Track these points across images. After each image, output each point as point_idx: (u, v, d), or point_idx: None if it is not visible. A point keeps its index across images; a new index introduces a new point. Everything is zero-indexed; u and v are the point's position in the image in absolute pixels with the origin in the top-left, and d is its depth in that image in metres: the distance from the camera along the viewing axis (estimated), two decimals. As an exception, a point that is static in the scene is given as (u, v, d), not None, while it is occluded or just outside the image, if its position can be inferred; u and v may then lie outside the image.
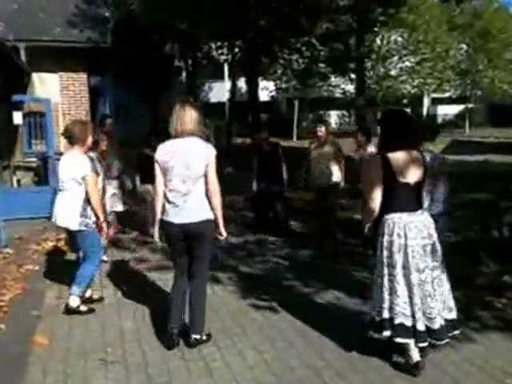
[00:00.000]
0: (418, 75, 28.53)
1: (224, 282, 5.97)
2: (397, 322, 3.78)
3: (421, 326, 3.75)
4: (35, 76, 11.26)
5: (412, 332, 3.76)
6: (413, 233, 3.72)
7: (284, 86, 26.74)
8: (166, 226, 4.23)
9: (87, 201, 4.90)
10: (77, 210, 4.90)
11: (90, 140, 5.13)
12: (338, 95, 28.54)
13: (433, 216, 4.23)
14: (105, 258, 6.31)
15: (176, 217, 4.15)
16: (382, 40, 25.64)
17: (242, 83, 25.00)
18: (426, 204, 4.31)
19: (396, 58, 27.43)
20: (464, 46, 32.39)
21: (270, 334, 4.59)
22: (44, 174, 10.38)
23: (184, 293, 4.37)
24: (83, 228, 4.91)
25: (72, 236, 5.15)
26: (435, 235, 3.83)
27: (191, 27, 14.19)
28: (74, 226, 4.92)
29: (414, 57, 27.91)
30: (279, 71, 23.33)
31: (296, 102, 27.65)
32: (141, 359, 4.15)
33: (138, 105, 14.17)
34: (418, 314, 3.74)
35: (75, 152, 5.02)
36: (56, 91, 11.22)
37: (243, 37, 14.47)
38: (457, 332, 3.93)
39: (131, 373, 3.95)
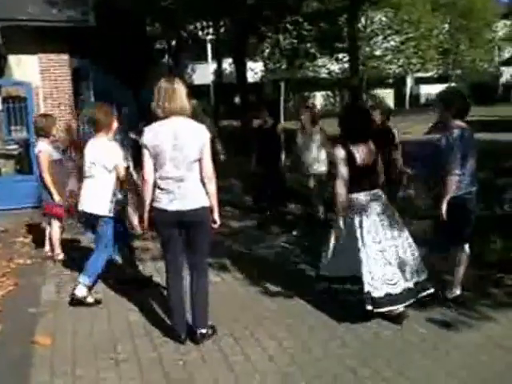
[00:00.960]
0: (402, 55, 28.43)
1: (231, 269, 5.68)
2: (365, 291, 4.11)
3: (379, 293, 4.07)
4: (12, 58, 10.69)
5: (371, 299, 4.07)
6: (368, 210, 4.20)
7: (272, 66, 26.39)
8: (158, 213, 3.84)
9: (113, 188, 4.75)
10: (106, 197, 4.71)
11: (115, 124, 4.92)
12: (323, 76, 28.31)
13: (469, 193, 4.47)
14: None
15: (171, 204, 3.77)
16: (366, 20, 25.44)
17: (226, 65, 24.56)
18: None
19: (381, 37, 27.26)
20: (446, 26, 32.36)
21: (286, 322, 4.34)
22: (27, 161, 9.92)
23: (182, 292, 4.03)
24: (110, 214, 4.72)
25: (93, 223, 4.87)
26: (390, 209, 4.32)
27: (174, 5, 13.68)
28: (102, 211, 4.72)
29: (399, 36, 27.77)
30: (267, 51, 22.93)
31: (282, 83, 27.46)
32: (154, 354, 3.86)
33: (121, 88, 13.69)
34: (378, 283, 4.08)
35: (102, 139, 4.81)
36: (35, 74, 10.63)
37: (230, 16, 14.05)
38: (430, 291, 4.31)
39: (146, 370, 3.66)
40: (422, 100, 38.69)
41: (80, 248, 6.59)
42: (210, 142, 3.84)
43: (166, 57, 21.35)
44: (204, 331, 4.00)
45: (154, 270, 5.70)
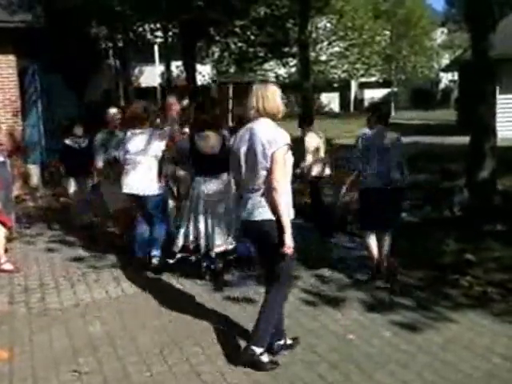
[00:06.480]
0: (346, 60, 29.13)
1: (190, 274, 5.49)
2: None
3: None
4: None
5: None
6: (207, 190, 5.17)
7: (222, 69, 26.39)
8: None
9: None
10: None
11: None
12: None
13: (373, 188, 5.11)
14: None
15: None
16: (311, 26, 25.90)
17: (173, 67, 24.29)
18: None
19: (326, 43, 27.81)
20: (388, 33, 33.32)
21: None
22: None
23: None
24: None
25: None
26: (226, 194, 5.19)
27: (121, 7, 13.44)
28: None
29: (343, 42, 28.43)
30: (217, 54, 22.88)
31: (230, 87, 27.53)
32: (119, 367, 3.71)
33: (66, 90, 13.27)
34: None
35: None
36: (-20, 75, 10.18)
37: (178, 18, 13.89)
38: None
39: (112, 383, 3.51)
40: (366, 104, 39.75)
41: (29, 257, 6.35)
42: None
43: (112, 58, 20.92)
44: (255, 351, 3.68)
45: (115, 276, 5.55)
